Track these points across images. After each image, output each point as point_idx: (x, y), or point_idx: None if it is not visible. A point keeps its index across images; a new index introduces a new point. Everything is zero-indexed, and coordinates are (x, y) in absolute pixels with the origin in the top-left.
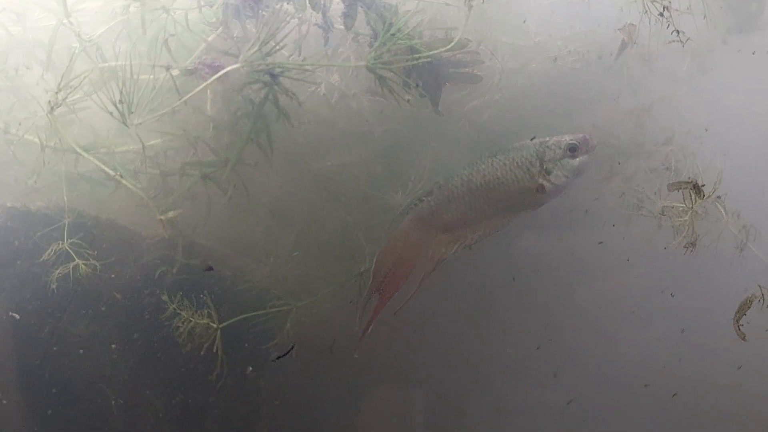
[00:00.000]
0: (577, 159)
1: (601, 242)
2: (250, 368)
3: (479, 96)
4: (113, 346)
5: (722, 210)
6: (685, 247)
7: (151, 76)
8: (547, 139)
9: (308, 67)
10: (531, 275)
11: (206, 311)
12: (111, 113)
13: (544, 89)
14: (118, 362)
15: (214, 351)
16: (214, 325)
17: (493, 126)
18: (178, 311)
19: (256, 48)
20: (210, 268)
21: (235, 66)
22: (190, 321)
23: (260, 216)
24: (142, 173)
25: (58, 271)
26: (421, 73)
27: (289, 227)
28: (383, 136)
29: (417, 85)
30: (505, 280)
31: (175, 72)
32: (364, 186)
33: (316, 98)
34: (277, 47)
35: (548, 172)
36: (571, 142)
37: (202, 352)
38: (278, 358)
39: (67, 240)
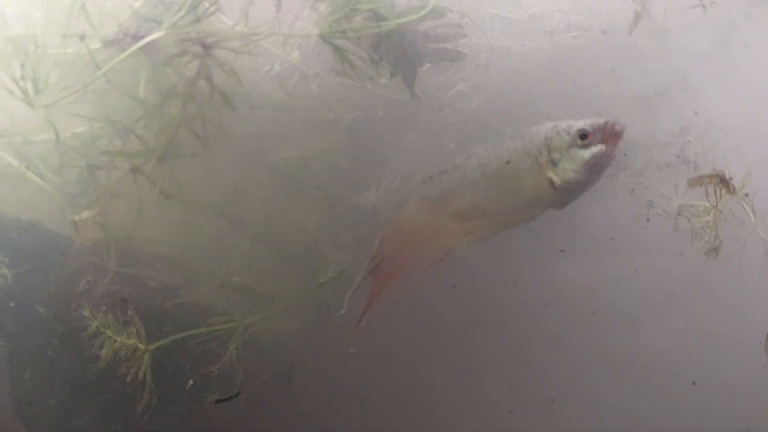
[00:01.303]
0: (590, 150)
1: (613, 237)
2: (191, 381)
3: (466, 79)
4: (36, 369)
5: (749, 211)
6: (706, 253)
7: (65, 50)
8: (561, 122)
9: (253, 37)
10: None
11: (135, 330)
12: (12, 92)
13: (541, 71)
14: (42, 388)
15: (141, 378)
16: (142, 347)
17: (482, 114)
18: (102, 329)
19: (183, 12)
20: (125, 301)
21: (158, 34)
22: (115, 341)
23: (209, 217)
24: (70, 167)
25: None
26: (390, 47)
27: (243, 231)
28: (353, 125)
29: (380, 59)
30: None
31: (96, 45)
32: (328, 183)
33: (272, 79)
34: (210, 10)
35: (554, 164)
36: (582, 127)
37: (128, 379)
38: (218, 401)
39: None
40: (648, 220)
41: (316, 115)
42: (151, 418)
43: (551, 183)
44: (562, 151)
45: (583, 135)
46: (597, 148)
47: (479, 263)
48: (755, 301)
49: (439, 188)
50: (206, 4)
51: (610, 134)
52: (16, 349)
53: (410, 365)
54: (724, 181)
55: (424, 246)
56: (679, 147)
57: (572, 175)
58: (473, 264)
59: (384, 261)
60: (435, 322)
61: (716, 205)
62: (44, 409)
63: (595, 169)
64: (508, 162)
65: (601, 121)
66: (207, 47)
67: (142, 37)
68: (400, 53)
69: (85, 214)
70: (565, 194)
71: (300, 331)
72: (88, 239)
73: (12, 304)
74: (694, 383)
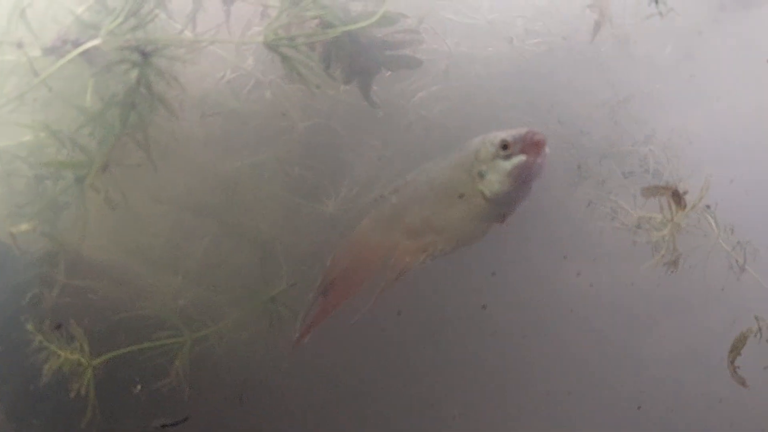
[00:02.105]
0: (511, 161)
1: (565, 257)
2: (139, 387)
3: (427, 86)
4: None
5: (712, 223)
6: (664, 266)
7: (3, 57)
8: (490, 134)
9: (198, 44)
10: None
11: (78, 344)
12: None
13: (502, 78)
14: None
15: (84, 395)
16: (85, 362)
17: (444, 121)
18: (45, 343)
19: (122, 18)
20: (59, 326)
21: (95, 42)
22: (59, 356)
23: (159, 228)
24: (17, 176)
25: None
26: (342, 54)
27: (195, 241)
28: (309, 133)
29: (329, 67)
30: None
31: (36, 52)
32: (283, 191)
33: (225, 86)
34: (150, 17)
35: (482, 176)
36: (503, 138)
37: (71, 395)
38: (164, 426)
39: None
40: (602, 233)
41: (270, 123)
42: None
43: (483, 195)
44: (489, 163)
45: (504, 146)
46: (518, 159)
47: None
48: (717, 318)
49: (390, 206)
50: (147, 10)
51: (530, 144)
52: None
53: (365, 382)
54: (676, 195)
55: (378, 265)
56: (642, 156)
57: (498, 187)
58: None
59: (336, 280)
60: (390, 337)
61: (672, 218)
62: None
63: (519, 179)
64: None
65: (522, 131)
66: (146, 55)
67: (82, 44)
68: (352, 60)
69: (24, 226)
70: (499, 206)
71: (251, 346)
72: (36, 250)
73: None
74: (639, 408)
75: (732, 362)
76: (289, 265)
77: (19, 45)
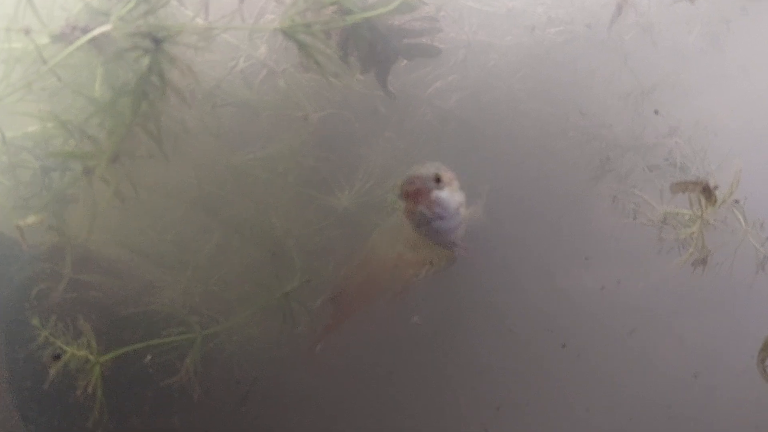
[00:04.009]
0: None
1: (586, 258)
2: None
3: (444, 76)
4: None
5: (741, 218)
6: (692, 265)
7: (10, 44)
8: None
9: (210, 31)
10: (495, 294)
11: (86, 341)
12: None
13: (522, 68)
14: None
15: (91, 392)
16: (93, 358)
17: (460, 113)
18: (52, 339)
19: (133, 3)
20: (58, 357)
21: (105, 28)
22: (65, 351)
23: (169, 222)
24: (22, 168)
25: None
26: (360, 42)
27: (206, 236)
28: (323, 124)
29: (347, 55)
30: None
31: (45, 40)
32: (296, 184)
33: (237, 76)
34: (162, 1)
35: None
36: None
37: (78, 392)
38: None
39: None
40: (625, 230)
41: (284, 113)
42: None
43: None
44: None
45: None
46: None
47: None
48: (746, 316)
49: (395, 218)
50: None
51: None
52: None
53: (378, 383)
54: (707, 190)
55: (386, 277)
56: (667, 149)
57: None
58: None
59: (347, 291)
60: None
61: (701, 215)
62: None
63: (411, 221)
64: None
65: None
66: (158, 41)
67: (92, 30)
68: (371, 48)
69: (31, 219)
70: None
71: (262, 343)
72: (42, 244)
73: None
74: (669, 407)
75: (762, 362)
76: (302, 260)
77: (27, 32)
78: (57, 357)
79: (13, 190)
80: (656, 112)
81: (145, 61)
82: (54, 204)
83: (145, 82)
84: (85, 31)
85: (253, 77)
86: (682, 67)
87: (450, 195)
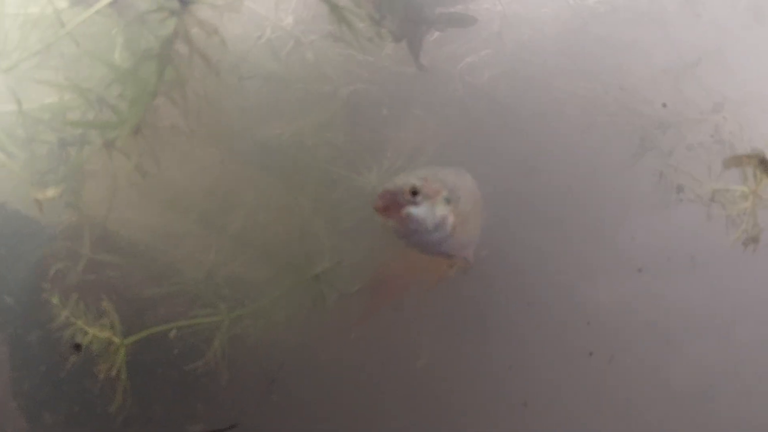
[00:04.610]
0: None
1: (633, 237)
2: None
3: (476, 50)
4: (3, 363)
5: None
6: (743, 244)
7: (27, 9)
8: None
9: None
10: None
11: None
12: None
13: (558, 41)
14: (11, 387)
15: (115, 374)
16: (117, 340)
17: (492, 90)
18: (73, 320)
19: None
20: (78, 347)
21: None
22: (86, 333)
23: (194, 199)
24: (38, 142)
25: None
26: (394, 7)
27: (231, 214)
28: (351, 99)
29: (381, 19)
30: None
31: (63, 3)
32: (324, 161)
33: (263, 48)
34: None
35: None
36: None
37: (101, 375)
38: None
39: None
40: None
41: (312, 87)
42: (128, 418)
43: None
44: None
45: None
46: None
47: None
48: None
49: None
50: None
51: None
52: None
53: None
54: (764, 163)
55: (421, 272)
56: (712, 125)
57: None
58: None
59: (385, 284)
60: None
61: (755, 190)
62: (13, 410)
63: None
64: None
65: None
66: (185, 2)
67: None
68: (404, 15)
69: (50, 192)
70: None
71: (290, 326)
72: (60, 222)
73: None
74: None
75: None
76: (332, 241)
77: None
78: (77, 347)
79: (29, 165)
80: (664, 105)
81: (170, 23)
82: (72, 179)
83: (170, 47)
84: None
85: (279, 49)
86: (725, 41)
87: (428, 210)
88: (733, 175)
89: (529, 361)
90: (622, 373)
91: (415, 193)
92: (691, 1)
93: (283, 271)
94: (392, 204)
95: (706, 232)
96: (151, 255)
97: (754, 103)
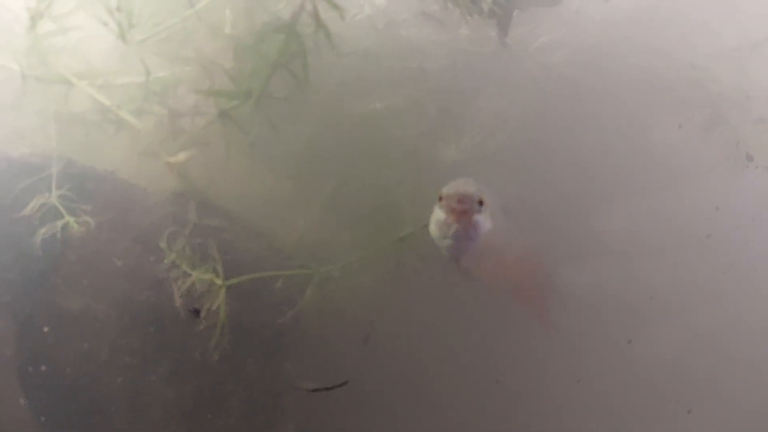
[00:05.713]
0: (436, 213)
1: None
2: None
3: (551, 31)
4: (112, 324)
5: None
6: None
7: None
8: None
9: None
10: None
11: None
12: (106, 24)
13: (630, 21)
14: (119, 344)
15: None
16: (219, 282)
17: (564, 70)
18: (177, 263)
19: None
20: (197, 311)
21: None
22: (189, 275)
23: (288, 168)
24: (147, 113)
25: (43, 231)
26: None
27: (322, 182)
28: (437, 75)
29: None
30: None
31: None
32: (412, 136)
33: (357, 25)
34: None
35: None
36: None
37: (201, 316)
38: (314, 390)
39: (55, 193)
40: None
41: (402, 64)
42: (228, 371)
43: None
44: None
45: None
46: (438, 214)
47: None
48: None
49: None
50: None
51: (450, 208)
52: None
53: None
54: None
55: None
56: None
57: (431, 230)
58: None
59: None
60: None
61: None
62: (121, 367)
63: (440, 233)
64: None
65: (458, 189)
66: None
67: None
68: None
69: (182, 156)
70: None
71: (379, 288)
72: (166, 190)
73: (92, 256)
74: None
75: None
76: (415, 211)
77: None
78: (196, 312)
79: (138, 138)
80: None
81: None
82: (181, 150)
83: (296, 20)
84: None
85: (373, 27)
86: None
87: (485, 220)
88: None
89: None
90: None
91: (481, 202)
92: None
93: (370, 235)
94: (467, 210)
95: None
96: (246, 224)
97: None
